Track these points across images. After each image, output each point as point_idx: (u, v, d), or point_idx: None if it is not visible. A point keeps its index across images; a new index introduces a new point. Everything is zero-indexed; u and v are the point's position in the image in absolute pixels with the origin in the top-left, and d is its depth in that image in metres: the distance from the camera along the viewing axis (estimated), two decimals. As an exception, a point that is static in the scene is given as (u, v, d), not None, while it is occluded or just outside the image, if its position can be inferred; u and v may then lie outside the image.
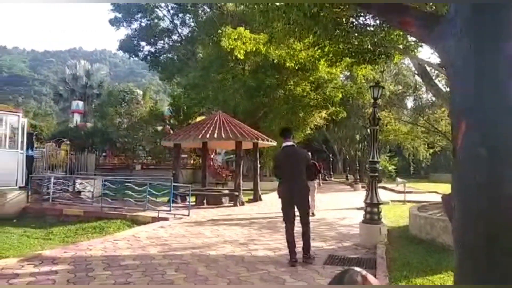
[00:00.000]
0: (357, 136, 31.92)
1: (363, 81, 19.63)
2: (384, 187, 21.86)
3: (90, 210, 9.87)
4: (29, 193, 11.05)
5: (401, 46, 8.00)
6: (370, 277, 1.13)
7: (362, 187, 20.12)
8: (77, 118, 37.13)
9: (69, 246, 6.20)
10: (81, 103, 38.96)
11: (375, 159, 7.21)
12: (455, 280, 1.34)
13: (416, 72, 11.51)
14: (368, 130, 8.65)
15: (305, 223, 5.49)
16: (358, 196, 14.37)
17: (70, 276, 4.51)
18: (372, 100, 7.68)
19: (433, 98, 19.58)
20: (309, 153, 6.22)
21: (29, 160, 12.74)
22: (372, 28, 7.31)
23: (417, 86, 21.31)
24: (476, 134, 1.40)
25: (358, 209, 11.02)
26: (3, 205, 9.83)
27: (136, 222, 8.65)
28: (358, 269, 1.12)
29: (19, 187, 10.56)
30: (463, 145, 1.41)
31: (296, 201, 5.40)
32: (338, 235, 7.65)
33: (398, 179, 16.49)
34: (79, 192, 12.13)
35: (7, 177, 10.29)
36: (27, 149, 12.08)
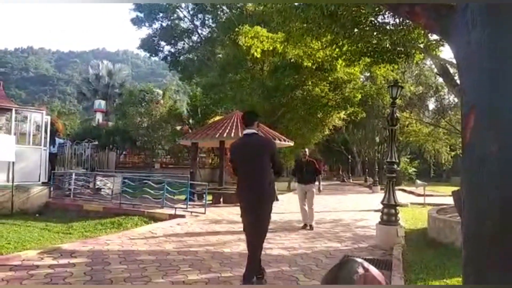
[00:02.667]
0: (377, 138, 31.49)
1: (383, 81, 19.34)
2: (403, 190, 21.50)
3: (109, 206, 10.07)
4: (51, 189, 11.35)
5: (421, 45, 7.85)
6: (372, 269, 1.10)
7: (381, 189, 19.82)
8: (99, 117, 37.99)
9: (87, 240, 6.34)
10: (103, 102, 39.84)
11: (393, 160, 7.10)
12: (462, 279, 1.30)
13: (437, 73, 11.26)
14: (387, 131, 8.52)
15: (253, 247, 4.07)
16: (376, 198, 14.15)
17: (87, 269, 4.61)
18: (391, 100, 7.57)
19: (455, 99, 19.12)
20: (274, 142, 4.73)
21: (52, 157, 13.10)
22: (391, 27, 7.20)
23: (439, 87, 20.84)
24: (488, 131, 1.35)
25: (375, 211, 10.87)
26: (27, 200, 10.13)
27: (153, 218, 8.77)
28: (359, 259, 1.10)
29: (42, 183, 10.85)
30: (472, 142, 1.37)
31: (251, 209, 4.08)
32: (354, 236, 7.57)
33: (418, 182, 16.16)
34: (99, 188, 12.37)
35: (30, 173, 10.60)
36: (50, 145, 12.42)
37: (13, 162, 9.54)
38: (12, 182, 9.54)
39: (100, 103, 39.29)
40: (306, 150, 9.14)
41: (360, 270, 1.07)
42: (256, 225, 4.07)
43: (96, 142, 20.46)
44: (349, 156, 39.52)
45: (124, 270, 4.63)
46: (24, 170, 10.32)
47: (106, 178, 12.81)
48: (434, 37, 7.91)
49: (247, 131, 4.23)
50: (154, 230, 7.43)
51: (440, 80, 17.89)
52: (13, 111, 10.50)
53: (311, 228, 8.05)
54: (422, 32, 7.02)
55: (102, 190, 12.31)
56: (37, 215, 9.47)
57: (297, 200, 8.75)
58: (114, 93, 43.33)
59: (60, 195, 11.59)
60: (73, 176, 11.66)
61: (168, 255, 5.49)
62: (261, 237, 4.12)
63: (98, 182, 12.66)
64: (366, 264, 1.09)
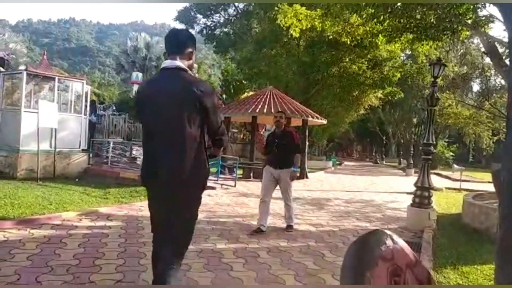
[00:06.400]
0: (414, 119, 30.45)
1: (425, 60, 18.49)
2: (439, 174, 20.87)
3: (143, 175, 10.41)
4: (91, 156, 11.86)
5: (469, 21, 7.38)
6: (401, 242, 1.08)
7: (415, 172, 19.32)
8: (136, 89, 38.87)
9: (123, 206, 6.63)
10: (140, 74, 40.55)
11: (430, 141, 6.85)
12: (495, 264, 1.25)
13: (485, 52, 10.61)
14: (426, 112, 8.19)
15: (162, 267, 2.40)
16: (410, 181, 13.83)
17: (121, 232, 4.84)
18: (432, 79, 7.25)
19: (502, 81, 18.04)
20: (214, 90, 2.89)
21: (91, 125, 13.63)
22: (437, 0, 6.80)
23: (485, 68, 19.69)
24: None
25: (408, 193, 10.64)
26: (67, 165, 10.66)
27: (185, 189, 9.01)
28: (388, 232, 1.08)
29: (82, 150, 11.34)
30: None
31: (161, 201, 2.44)
32: (384, 217, 7.48)
33: (455, 166, 15.62)
34: (135, 158, 12.79)
35: (71, 140, 11.08)
36: (90, 114, 12.90)
37: (55, 129, 10.00)
38: (55, 148, 10.03)
39: (137, 75, 40.03)
40: (283, 113, 5.80)
41: (389, 242, 1.05)
42: (171, 227, 2.41)
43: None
44: (384, 137, 38.58)
45: (156, 235, 4.82)
46: (65, 137, 10.80)
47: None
48: (484, 12, 7.43)
49: (167, 63, 2.44)
50: (185, 200, 7.65)
51: (487, 60, 16.87)
52: (56, 80, 10.91)
53: (289, 228, 5.58)
54: (471, 6, 6.59)
55: (138, 159, 12.74)
56: (76, 179, 9.96)
57: (328, 179, 8.38)
58: (151, 65, 43.99)
59: (98, 162, 12.10)
60: (111, 145, 12.11)
61: (198, 224, 5.62)
62: (178, 248, 2.45)
63: (134, 152, 13.09)
64: (395, 236, 1.06)
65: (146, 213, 5.97)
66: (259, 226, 5.36)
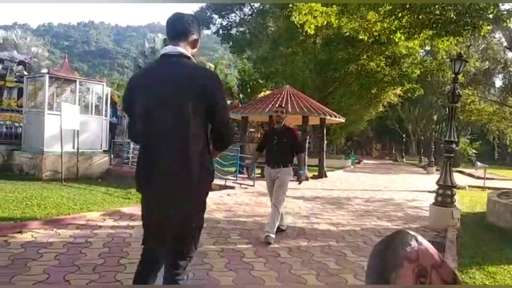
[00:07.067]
0: (435, 116, 29.88)
1: (445, 56, 18.12)
2: (461, 172, 20.43)
3: (163, 175, 10.57)
4: (112, 157, 12.12)
5: (490, 16, 7.19)
6: (426, 243, 1.08)
7: (437, 170, 18.98)
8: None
9: (144, 206, 6.75)
10: (158, 75, 41.11)
11: (452, 139, 6.73)
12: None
13: (507, 46, 10.33)
14: (447, 109, 8.04)
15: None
16: (431, 179, 13.59)
17: (144, 232, 4.94)
18: (453, 76, 7.11)
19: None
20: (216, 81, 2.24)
21: (112, 127, 13.91)
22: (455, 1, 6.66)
23: (508, 63, 19.15)
24: None
25: (430, 192, 10.48)
26: (90, 166, 10.92)
27: (204, 189, 9.10)
28: (413, 232, 1.08)
29: (103, 151, 11.59)
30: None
31: (161, 209, 2.06)
32: (405, 216, 7.38)
33: (478, 163, 15.23)
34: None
35: (93, 141, 11.34)
36: (110, 116, 13.17)
37: (77, 131, 10.25)
38: (77, 149, 10.28)
39: (155, 76, 40.59)
40: (284, 108, 5.45)
41: (413, 243, 1.05)
42: (174, 240, 2.05)
43: None
44: (404, 135, 37.98)
45: (177, 235, 4.89)
46: (87, 138, 11.06)
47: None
48: (506, 6, 7.24)
49: (169, 49, 2.08)
50: (205, 200, 7.73)
51: (510, 55, 16.43)
52: (77, 83, 11.19)
53: (267, 239, 4.70)
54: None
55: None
56: (99, 180, 10.19)
57: (347, 178, 8.26)
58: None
59: (119, 162, 12.35)
60: (131, 145, 12.33)
61: (218, 224, 5.71)
62: (180, 264, 2.05)
63: (153, 152, 13.28)
64: (420, 237, 1.06)
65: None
66: (278, 226, 5.11)
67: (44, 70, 13.96)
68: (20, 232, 4.54)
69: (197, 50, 2.18)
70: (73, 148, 10.39)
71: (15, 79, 12.26)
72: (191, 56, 2.09)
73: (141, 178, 2.08)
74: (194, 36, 2.13)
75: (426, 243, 1.10)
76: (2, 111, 11.44)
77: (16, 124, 11.62)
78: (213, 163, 2.17)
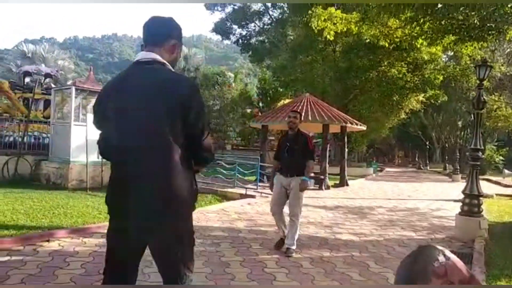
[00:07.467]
0: (459, 123, 29.15)
1: (468, 61, 17.71)
2: (488, 180, 19.80)
3: (185, 184, 10.70)
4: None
5: (516, 20, 7.02)
6: (454, 258, 1.06)
7: (462, 178, 18.47)
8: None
9: (166, 215, 6.84)
10: (179, 85, 41.79)
11: (478, 147, 6.55)
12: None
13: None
14: (472, 115, 7.83)
15: None
16: (457, 188, 13.23)
17: (166, 241, 4.99)
18: (477, 82, 6.95)
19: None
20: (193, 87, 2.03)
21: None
22: (480, 1, 6.53)
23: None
24: None
25: (455, 201, 10.20)
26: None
27: (225, 197, 9.15)
28: (440, 247, 1.06)
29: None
30: None
31: (142, 232, 1.81)
32: (430, 226, 7.21)
33: (506, 171, 14.77)
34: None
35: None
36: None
37: (102, 141, 10.51)
38: (102, 159, 10.51)
39: (176, 87, 41.28)
40: (299, 113, 5.25)
41: (441, 258, 1.03)
42: (173, 253, 1.85)
43: None
44: (427, 142, 37.18)
45: (199, 244, 4.92)
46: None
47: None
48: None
49: (141, 55, 1.94)
50: (226, 208, 7.77)
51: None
52: (102, 94, 11.50)
53: (288, 252, 4.65)
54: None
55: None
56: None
57: (369, 186, 8.01)
58: (190, 76, 45.22)
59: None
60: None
61: (240, 233, 5.72)
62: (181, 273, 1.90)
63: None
64: (447, 252, 1.04)
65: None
66: (282, 237, 4.95)
67: (70, 82, 14.40)
68: (48, 240, 4.66)
69: (177, 55, 2.02)
70: (98, 158, 10.62)
71: (42, 91, 12.66)
72: (166, 62, 1.91)
73: (111, 197, 1.89)
74: (172, 41, 1.97)
75: (454, 258, 1.08)
76: (30, 123, 11.83)
77: (44, 135, 11.99)
78: (195, 179, 1.95)
